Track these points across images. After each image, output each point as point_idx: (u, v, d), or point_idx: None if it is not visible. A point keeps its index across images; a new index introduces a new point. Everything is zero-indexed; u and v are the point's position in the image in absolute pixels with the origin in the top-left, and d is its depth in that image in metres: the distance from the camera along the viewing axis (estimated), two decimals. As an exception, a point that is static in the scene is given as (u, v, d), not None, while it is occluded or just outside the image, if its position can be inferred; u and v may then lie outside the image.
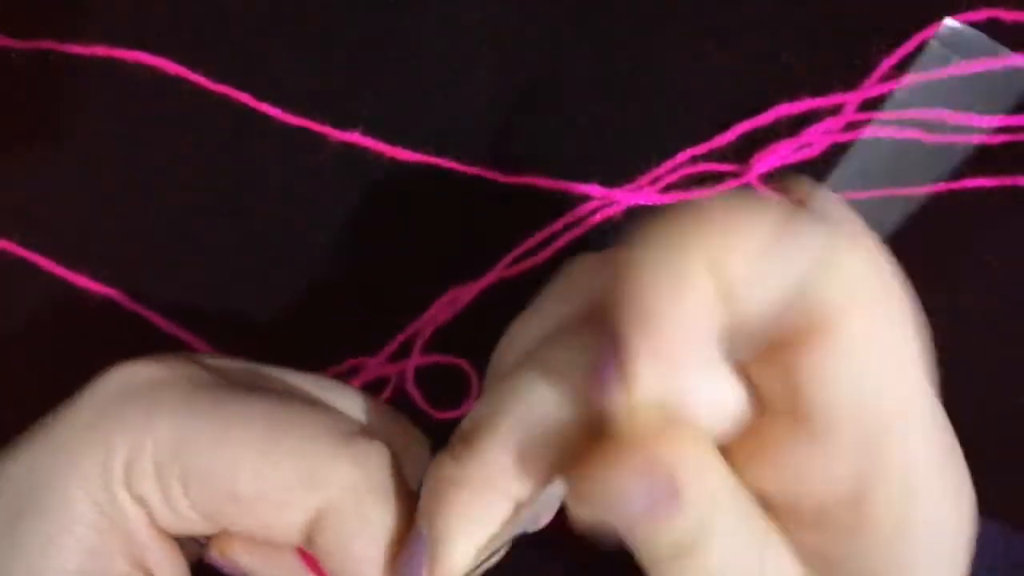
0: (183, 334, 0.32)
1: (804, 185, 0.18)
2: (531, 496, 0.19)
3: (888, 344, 0.17)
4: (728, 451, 0.18)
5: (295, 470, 0.22)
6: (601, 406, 0.17)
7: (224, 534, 0.23)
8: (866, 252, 0.17)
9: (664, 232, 0.17)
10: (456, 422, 0.31)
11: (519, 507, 0.19)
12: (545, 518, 0.20)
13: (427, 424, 0.31)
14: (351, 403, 0.25)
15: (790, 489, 0.18)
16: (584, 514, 0.18)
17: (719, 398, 0.18)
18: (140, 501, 0.22)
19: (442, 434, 0.32)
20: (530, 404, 0.19)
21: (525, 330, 0.22)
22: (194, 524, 0.22)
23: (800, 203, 0.17)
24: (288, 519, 0.22)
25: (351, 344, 0.32)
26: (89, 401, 0.23)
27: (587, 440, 0.18)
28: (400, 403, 0.32)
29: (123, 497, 0.22)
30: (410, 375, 0.31)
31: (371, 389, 0.32)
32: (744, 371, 0.18)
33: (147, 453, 0.22)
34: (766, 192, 0.21)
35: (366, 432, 0.23)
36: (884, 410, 0.17)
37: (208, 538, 0.24)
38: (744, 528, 0.18)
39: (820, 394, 0.17)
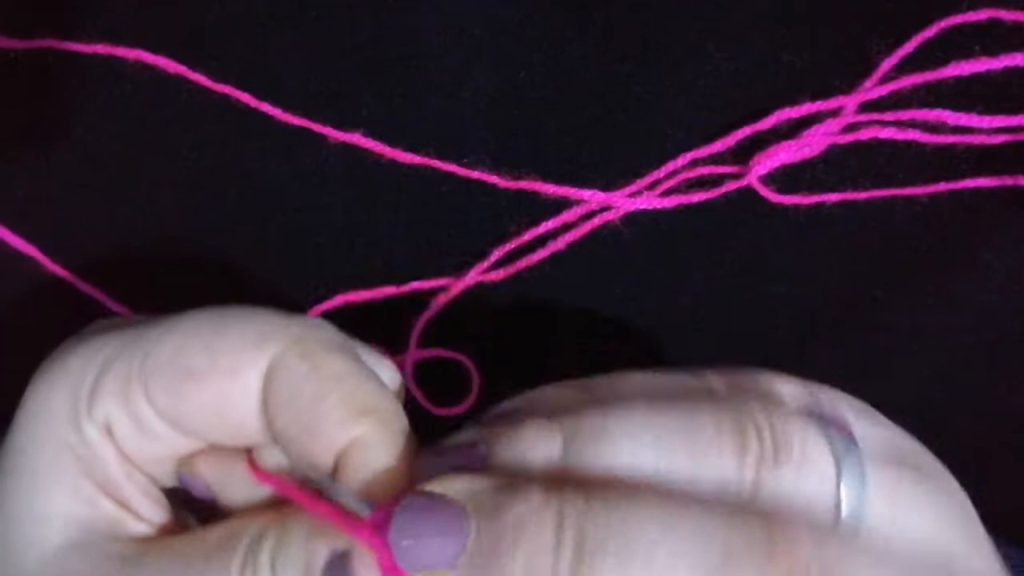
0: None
1: None
2: None
3: None
4: None
5: (242, 334, 0.23)
6: None
7: (189, 457, 0.25)
8: None
9: None
10: (455, 419, 0.32)
11: None
12: None
13: (426, 421, 0.32)
14: None
15: None
16: None
17: None
18: (106, 429, 0.23)
19: (440, 432, 0.32)
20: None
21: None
22: (155, 440, 0.23)
23: None
24: (244, 381, 0.22)
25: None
26: (52, 357, 0.24)
27: None
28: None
29: (89, 430, 0.23)
30: (408, 369, 0.32)
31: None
32: None
33: (106, 368, 0.23)
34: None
35: None
36: None
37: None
38: None
39: None
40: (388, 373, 0.26)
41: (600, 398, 0.23)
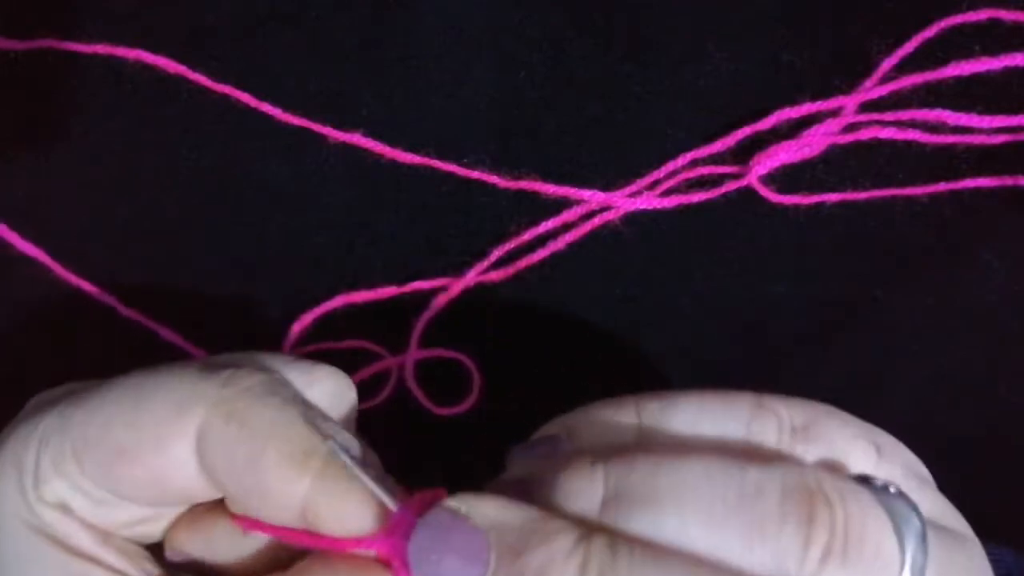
0: (176, 337, 0.33)
1: None
2: None
3: None
4: None
5: (163, 405, 0.22)
6: None
7: (170, 532, 0.24)
8: None
9: None
10: (456, 419, 0.32)
11: None
12: None
13: (427, 420, 0.32)
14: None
15: None
16: None
17: None
18: (61, 507, 0.23)
19: (442, 430, 0.32)
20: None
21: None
22: (114, 508, 0.23)
23: None
24: (174, 455, 0.22)
25: (350, 344, 0.32)
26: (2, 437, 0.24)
27: None
28: (400, 400, 0.32)
29: (44, 512, 0.22)
30: (410, 369, 0.32)
31: (372, 386, 0.32)
32: None
33: (42, 450, 0.22)
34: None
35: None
36: None
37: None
38: None
39: None
40: (329, 381, 0.24)
41: (650, 441, 0.21)
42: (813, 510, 0.19)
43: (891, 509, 0.20)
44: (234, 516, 0.23)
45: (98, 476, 0.22)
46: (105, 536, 0.23)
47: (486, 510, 0.19)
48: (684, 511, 0.19)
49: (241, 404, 0.22)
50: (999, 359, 0.33)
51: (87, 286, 0.33)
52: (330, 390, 0.24)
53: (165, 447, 0.22)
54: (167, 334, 0.32)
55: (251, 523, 0.23)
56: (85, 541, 0.23)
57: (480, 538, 0.19)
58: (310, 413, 0.22)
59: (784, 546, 0.19)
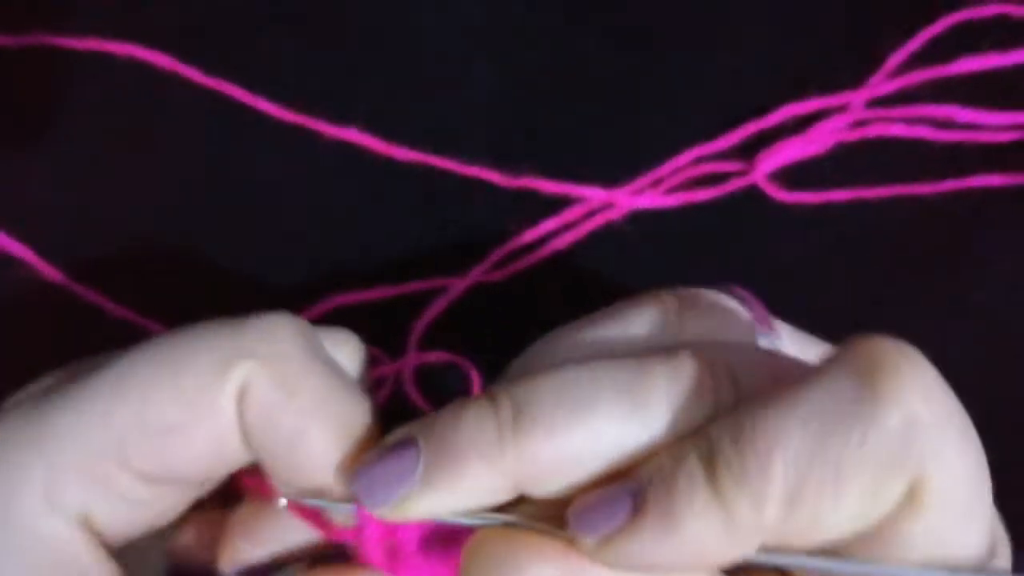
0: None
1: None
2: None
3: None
4: None
5: (204, 368, 0.21)
6: None
7: (224, 552, 0.24)
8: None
9: None
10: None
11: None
12: None
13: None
14: None
15: None
16: None
17: None
18: (80, 519, 0.21)
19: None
20: (602, 433, 0.19)
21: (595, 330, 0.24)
22: (150, 502, 0.22)
23: None
24: (226, 419, 0.21)
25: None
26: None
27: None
28: (398, 404, 0.32)
29: (54, 526, 0.21)
30: (409, 373, 0.32)
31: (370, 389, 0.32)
32: None
33: (58, 456, 0.21)
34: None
35: None
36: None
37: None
38: None
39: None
40: (348, 345, 0.24)
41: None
42: (655, 294, 0.25)
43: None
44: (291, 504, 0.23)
45: (144, 462, 0.21)
46: (103, 564, 0.21)
47: (400, 430, 0.21)
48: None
49: (288, 367, 0.21)
50: (1009, 358, 0.33)
51: (77, 287, 0.33)
52: (349, 354, 0.24)
53: (216, 411, 0.21)
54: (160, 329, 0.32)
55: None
56: (84, 560, 0.21)
57: (403, 443, 0.20)
58: (350, 384, 0.22)
59: (646, 319, 0.25)
